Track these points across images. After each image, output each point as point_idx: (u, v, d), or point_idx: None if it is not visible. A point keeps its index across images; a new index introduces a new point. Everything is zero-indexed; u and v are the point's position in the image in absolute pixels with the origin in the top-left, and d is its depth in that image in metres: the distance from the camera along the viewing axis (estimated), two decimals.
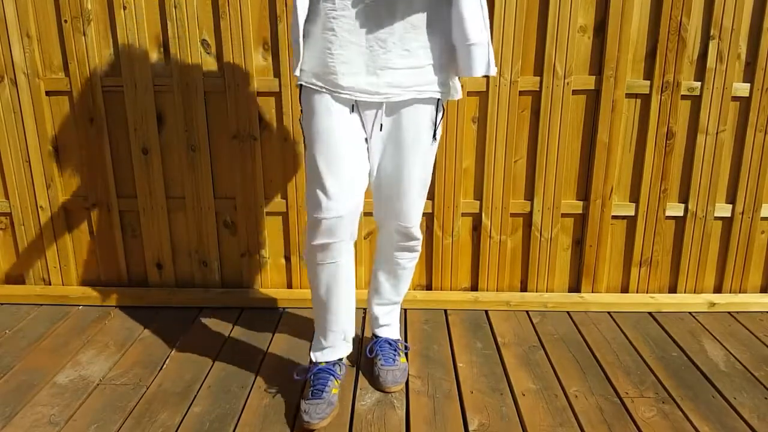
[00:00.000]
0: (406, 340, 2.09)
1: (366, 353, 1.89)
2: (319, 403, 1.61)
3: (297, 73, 1.52)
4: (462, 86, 2.16)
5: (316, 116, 1.54)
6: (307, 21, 1.51)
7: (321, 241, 1.57)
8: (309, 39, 1.53)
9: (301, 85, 1.57)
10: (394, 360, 1.82)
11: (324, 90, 1.52)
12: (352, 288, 1.70)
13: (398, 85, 1.51)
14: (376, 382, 1.79)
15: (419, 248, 1.78)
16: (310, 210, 1.56)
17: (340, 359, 1.75)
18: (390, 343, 1.87)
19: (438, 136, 1.63)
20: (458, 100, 2.18)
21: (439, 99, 1.58)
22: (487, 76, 2.18)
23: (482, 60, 1.49)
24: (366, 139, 1.59)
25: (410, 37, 1.48)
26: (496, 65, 1.62)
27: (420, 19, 1.48)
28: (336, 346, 1.73)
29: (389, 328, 1.91)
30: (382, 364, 1.80)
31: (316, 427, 1.59)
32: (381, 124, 1.57)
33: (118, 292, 2.36)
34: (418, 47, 1.50)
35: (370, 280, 1.89)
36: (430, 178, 1.69)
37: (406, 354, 1.98)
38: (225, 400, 1.74)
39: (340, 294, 1.66)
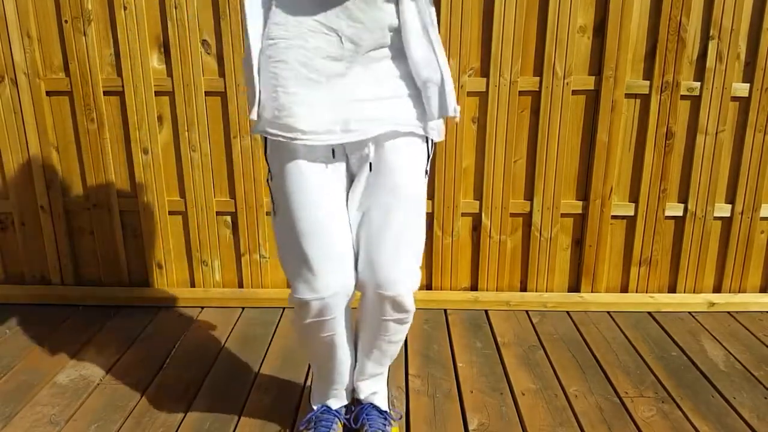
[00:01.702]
0: (406, 340, 2.09)
1: (350, 423, 1.56)
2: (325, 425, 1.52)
3: (254, 116, 1.26)
4: (462, 86, 2.18)
5: (287, 175, 1.29)
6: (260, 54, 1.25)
7: (314, 320, 1.35)
8: (263, 78, 1.25)
9: (265, 137, 1.32)
10: (384, 430, 1.51)
11: (282, 138, 1.25)
12: (350, 348, 1.49)
13: (371, 118, 1.25)
14: None
15: (410, 320, 1.41)
16: (294, 288, 1.32)
17: (343, 407, 1.59)
18: (379, 411, 1.55)
19: (428, 173, 1.38)
20: (458, 100, 2.18)
21: (426, 136, 1.33)
22: (487, 79, 2.18)
23: (434, 100, 1.27)
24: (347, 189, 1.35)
25: (376, 67, 1.26)
26: (458, 105, 1.32)
27: (384, 52, 1.27)
28: (339, 396, 1.56)
29: (376, 396, 1.57)
30: None
31: None
32: (370, 164, 1.31)
33: (118, 292, 2.36)
34: (387, 76, 1.28)
35: (351, 352, 1.52)
36: (423, 231, 1.38)
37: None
38: (225, 400, 1.74)
39: (339, 358, 1.47)
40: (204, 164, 2.27)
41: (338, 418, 1.54)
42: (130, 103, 2.21)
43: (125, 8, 2.12)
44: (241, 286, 2.40)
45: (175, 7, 2.12)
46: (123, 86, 2.20)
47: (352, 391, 1.58)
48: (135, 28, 2.14)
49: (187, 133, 2.24)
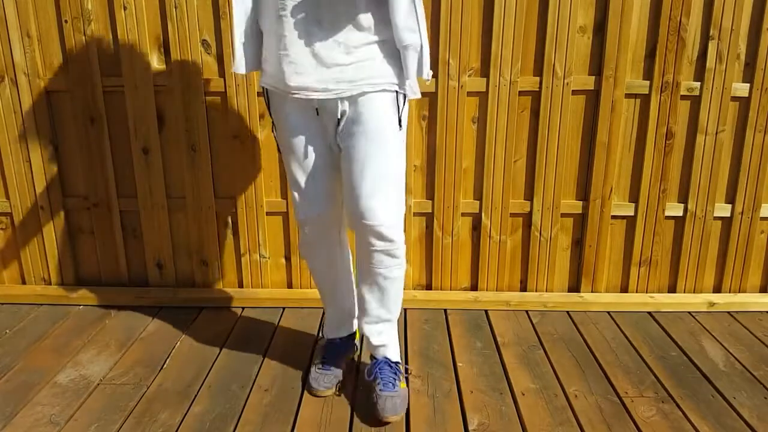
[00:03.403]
0: (406, 340, 2.09)
1: (365, 376, 1.76)
2: (327, 374, 1.79)
3: (240, 70, 1.56)
4: (462, 86, 2.18)
5: (282, 123, 1.62)
6: (261, 21, 1.54)
7: (307, 239, 1.71)
8: (265, 40, 1.56)
9: (266, 90, 1.63)
10: (393, 385, 1.69)
11: (279, 91, 1.56)
12: (347, 271, 1.82)
13: (349, 80, 1.49)
14: (373, 410, 1.65)
15: (400, 254, 1.62)
16: (294, 212, 1.70)
17: (351, 336, 1.90)
18: (390, 366, 1.73)
19: (404, 125, 1.59)
20: (458, 100, 2.19)
21: (397, 91, 1.56)
22: (487, 79, 2.18)
23: (413, 63, 1.49)
24: (332, 137, 1.61)
25: (356, 38, 1.47)
26: (431, 70, 1.61)
27: (366, 20, 1.47)
28: (343, 324, 1.88)
29: (386, 348, 1.76)
30: (381, 390, 1.67)
31: (322, 395, 1.76)
32: (339, 119, 1.55)
33: (118, 292, 2.36)
34: (363, 45, 1.49)
35: (357, 300, 1.80)
36: (401, 173, 1.61)
37: (407, 378, 1.86)
38: (225, 400, 1.74)
39: (336, 279, 1.80)
40: (204, 164, 2.27)
41: (344, 352, 1.86)
42: (130, 103, 2.21)
43: (125, 8, 2.12)
44: (241, 286, 2.40)
45: (175, 7, 2.12)
46: (123, 86, 2.20)
47: (362, 342, 1.88)
48: (135, 28, 2.14)
49: (187, 133, 2.24)
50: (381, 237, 1.57)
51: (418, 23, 1.48)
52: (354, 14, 1.46)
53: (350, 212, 1.59)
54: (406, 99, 1.59)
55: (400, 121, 1.57)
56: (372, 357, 1.79)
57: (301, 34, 1.46)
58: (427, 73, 1.51)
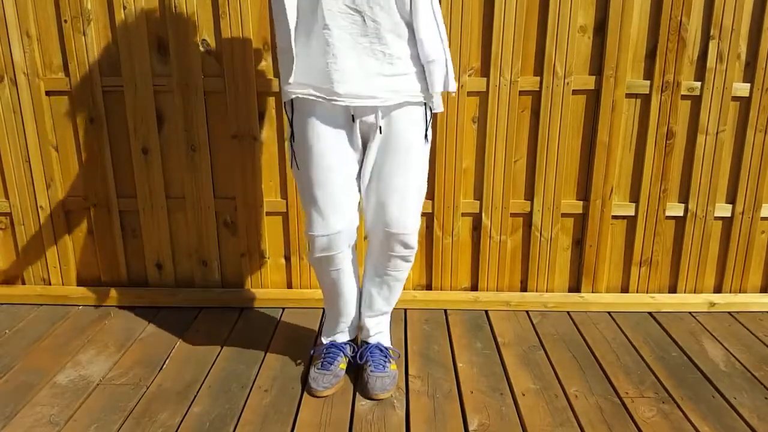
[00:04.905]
0: (406, 340, 2.09)
1: (355, 361, 1.86)
2: (327, 374, 1.79)
3: (291, 80, 1.57)
4: (462, 86, 2.17)
5: (307, 138, 1.61)
6: (301, 30, 1.56)
7: (321, 255, 1.68)
8: (303, 50, 1.57)
9: (291, 100, 1.63)
10: (384, 366, 1.81)
11: (321, 99, 1.56)
12: (354, 285, 1.82)
13: (391, 89, 1.57)
14: (364, 389, 1.76)
15: (413, 259, 1.74)
16: (307, 227, 1.67)
17: (350, 340, 1.91)
18: (381, 350, 1.85)
19: (429, 138, 1.67)
20: (458, 100, 2.18)
21: (426, 103, 1.64)
22: (487, 79, 2.18)
23: (439, 76, 1.57)
24: (358, 149, 1.65)
25: (397, 47, 1.55)
26: (456, 81, 1.68)
27: (404, 30, 1.55)
28: (345, 331, 1.89)
29: (381, 335, 1.89)
30: (371, 371, 1.78)
31: (322, 395, 1.75)
32: (380, 127, 1.60)
33: (118, 292, 2.36)
34: (406, 56, 1.57)
35: (362, 294, 1.87)
36: (424, 184, 1.70)
37: (401, 359, 1.95)
38: (225, 400, 1.74)
39: (345, 293, 1.80)
40: (204, 164, 2.26)
41: (343, 353, 1.85)
42: (130, 103, 2.21)
43: (125, 8, 2.12)
44: (240, 286, 2.40)
45: (175, 7, 2.12)
46: (123, 86, 2.19)
47: (358, 329, 1.90)
48: (135, 28, 2.14)
49: (186, 133, 2.24)
50: (405, 245, 1.68)
51: (440, 36, 1.56)
52: (395, 23, 1.53)
53: (375, 221, 1.67)
54: (433, 114, 1.68)
55: (426, 134, 1.65)
56: (363, 342, 1.89)
57: (347, 42, 1.51)
58: (453, 85, 1.59)
